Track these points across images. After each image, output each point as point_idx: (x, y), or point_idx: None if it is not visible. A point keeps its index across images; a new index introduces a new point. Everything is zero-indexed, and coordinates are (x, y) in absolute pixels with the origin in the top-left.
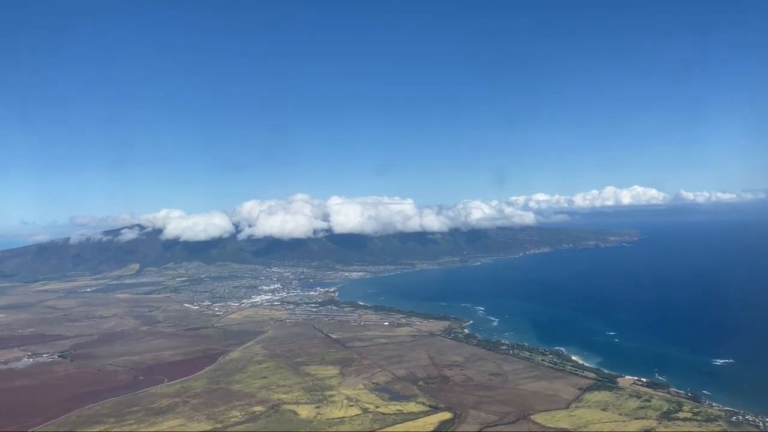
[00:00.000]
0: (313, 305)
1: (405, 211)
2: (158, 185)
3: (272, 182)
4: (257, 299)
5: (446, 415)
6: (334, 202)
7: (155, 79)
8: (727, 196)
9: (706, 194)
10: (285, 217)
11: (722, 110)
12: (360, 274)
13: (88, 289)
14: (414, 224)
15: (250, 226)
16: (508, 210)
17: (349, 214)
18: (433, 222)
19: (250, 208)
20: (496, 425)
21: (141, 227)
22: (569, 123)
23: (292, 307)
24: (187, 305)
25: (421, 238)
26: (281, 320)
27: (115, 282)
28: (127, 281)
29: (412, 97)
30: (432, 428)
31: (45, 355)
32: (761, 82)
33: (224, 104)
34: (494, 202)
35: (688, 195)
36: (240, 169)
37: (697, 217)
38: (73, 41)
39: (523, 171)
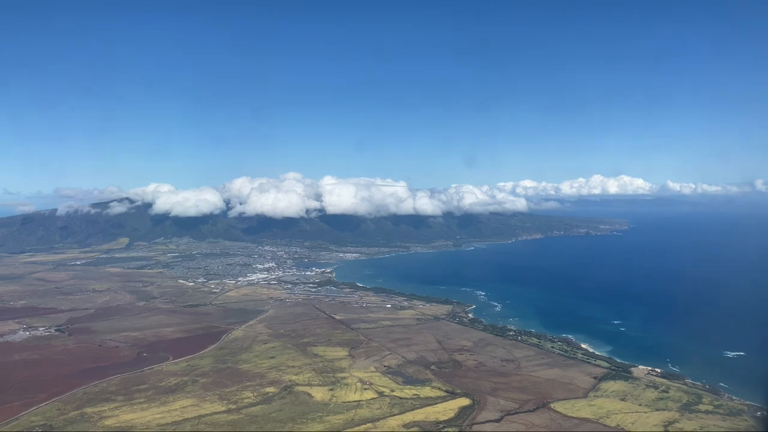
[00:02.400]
0: (311, 285)
1: (398, 193)
2: (145, 159)
3: (261, 159)
4: (253, 277)
5: (465, 401)
6: (327, 182)
7: (143, 51)
8: (712, 188)
9: (692, 185)
10: (277, 195)
11: (710, 105)
12: (354, 255)
13: (78, 262)
14: (407, 207)
15: (241, 204)
16: (500, 195)
17: (342, 195)
18: (426, 205)
19: (240, 185)
20: (516, 413)
21: (130, 201)
22: (556, 112)
23: (290, 286)
24: (182, 281)
25: (414, 220)
26: (281, 299)
27: (104, 256)
28: (117, 255)
29: (401, 82)
30: (453, 414)
31: (41, 329)
32: (746, 77)
33: (212, 79)
34: (485, 187)
35: (675, 186)
36: (227, 144)
37: (683, 208)
38: (59, 8)
39: (508, 157)
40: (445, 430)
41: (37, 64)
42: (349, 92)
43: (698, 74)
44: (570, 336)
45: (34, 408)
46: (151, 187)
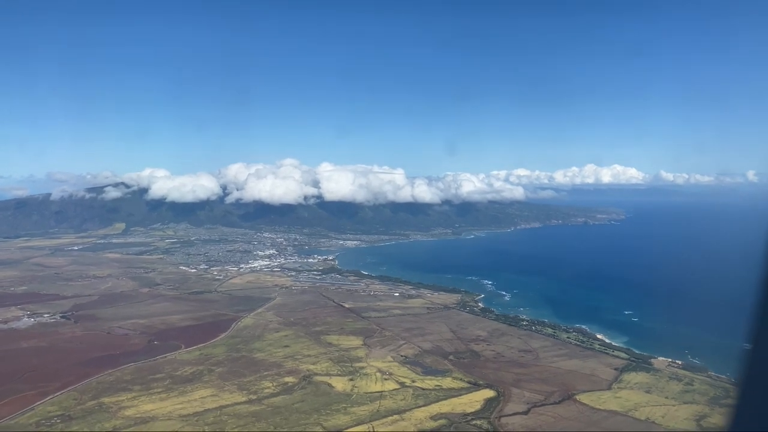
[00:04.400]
0: (315, 273)
1: (395, 180)
2: (139, 143)
3: (257, 145)
4: (255, 264)
5: (489, 393)
6: (325, 169)
7: (132, 32)
8: (705, 179)
9: (685, 176)
10: (274, 181)
11: (698, 97)
12: (355, 243)
13: (75, 248)
14: (405, 194)
15: (238, 190)
16: (498, 184)
17: (339, 182)
18: (424, 193)
19: (236, 170)
20: (543, 405)
21: (126, 186)
22: (547, 101)
23: (294, 274)
24: (184, 268)
25: (413, 208)
26: (286, 287)
27: (102, 241)
28: (115, 240)
29: (394, 70)
30: (479, 406)
31: (46, 315)
32: (733, 70)
33: (203, 63)
34: (481, 176)
35: (668, 176)
36: (221, 130)
37: (677, 198)
38: None
39: (501, 145)
40: (474, 422)
41: (18, 44)
42: (343, 79)
43: (684, 66)
44: (584, 326)
45: (49, 397)
46: (147, 172)
